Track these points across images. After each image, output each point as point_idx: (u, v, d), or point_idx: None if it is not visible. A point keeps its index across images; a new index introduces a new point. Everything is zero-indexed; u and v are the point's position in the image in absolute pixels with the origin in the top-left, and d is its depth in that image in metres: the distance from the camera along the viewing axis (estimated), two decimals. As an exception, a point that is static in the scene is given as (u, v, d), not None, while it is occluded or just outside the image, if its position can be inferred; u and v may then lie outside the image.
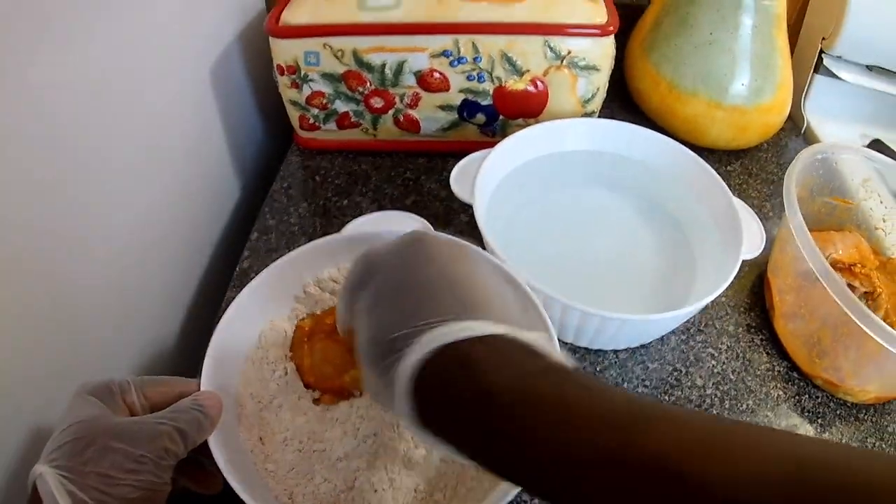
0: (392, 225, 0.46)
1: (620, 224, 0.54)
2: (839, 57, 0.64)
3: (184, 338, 0.52)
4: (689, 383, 0.48)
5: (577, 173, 0.55)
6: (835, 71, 0.64)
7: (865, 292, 0.53)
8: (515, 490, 0.33)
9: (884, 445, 0.50)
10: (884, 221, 0.57)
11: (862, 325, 0.42)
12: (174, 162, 0.50)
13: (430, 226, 0.46)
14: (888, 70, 0.65)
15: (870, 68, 0.66)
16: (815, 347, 0.49)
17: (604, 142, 0.54)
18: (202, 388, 0.36)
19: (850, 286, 0.54)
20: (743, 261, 0.48)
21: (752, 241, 0.48)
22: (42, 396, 0.36)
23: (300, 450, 0.38)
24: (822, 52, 0.64)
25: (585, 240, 0.52)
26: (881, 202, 0.57)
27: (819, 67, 0.65)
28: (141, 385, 0.34)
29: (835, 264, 0.53)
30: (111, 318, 0.43)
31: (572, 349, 0.49)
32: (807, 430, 0.49)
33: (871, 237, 0.57)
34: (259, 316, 0.42)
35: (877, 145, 0.65)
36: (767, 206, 0.60)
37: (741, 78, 0.58)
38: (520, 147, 0.52)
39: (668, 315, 0.43)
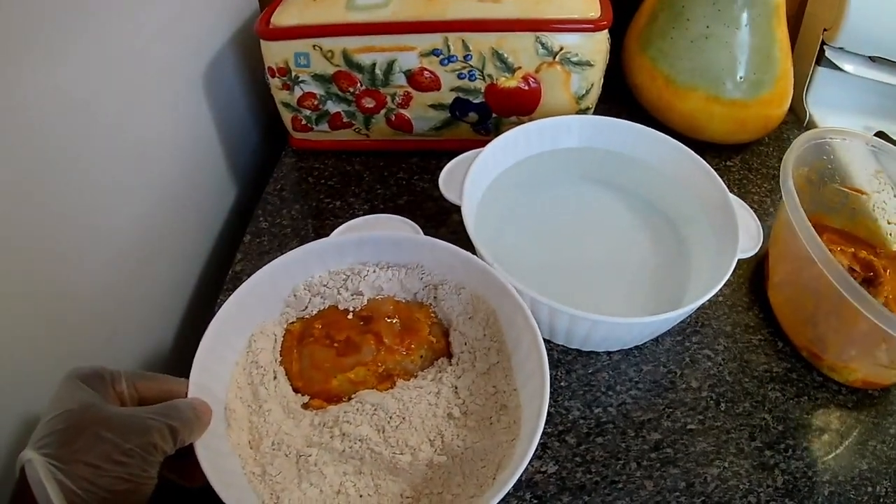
0: (381, 228, 0.46)
1: (615, 223, 0.53)
2: (841, 48, 0.63)
3: (178, 341, 0.52)
4: (683, 385, 0.48)
5: (572, 171, 0.54)
6: (837, 63, 0.63)
7: (865, 278, 0.52)
8: (500, 495, 0.33)
9: (885, 448, 0.49)
10: (897, 215, 0.56)
11: (856, 304, 0.42)
12: (167, 165, 0.50)
13: (419, 229, 0.45)
14: (892, 61, 0.63)
15: (873, 59, 0.64)
16: (804, 319, 0.49)
17: (597, 139, 0.54)
18: (190, 390, 0.36)
19: (851, 270, 0.53)
20: (741, 259, 0.48)
21: (748, 240, 0.47)
22: (36, 398, 0.36)
23: (287, 454, 0.38)
24: (823, 43, 0.63)
25: (579, 239, 0.52)
26: (894, 196, 0.56)
27: (821, 59, 0.63)
28: (131, 377, 0.34)
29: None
30: (105, 321, 0.43)
31: (564, 350, 0.48)
32: (806, 433, 0.48)
33: (886, 230, 0.56)
34: (249, 320, 0.42)
35: (881, 137, 0.63)
36: (768, 202, 0.59)
37: (740, 71, 0.56)
38: (513, 146, 0.51)
39: (659, 318, 0.42)
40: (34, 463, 0.28)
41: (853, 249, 0.54)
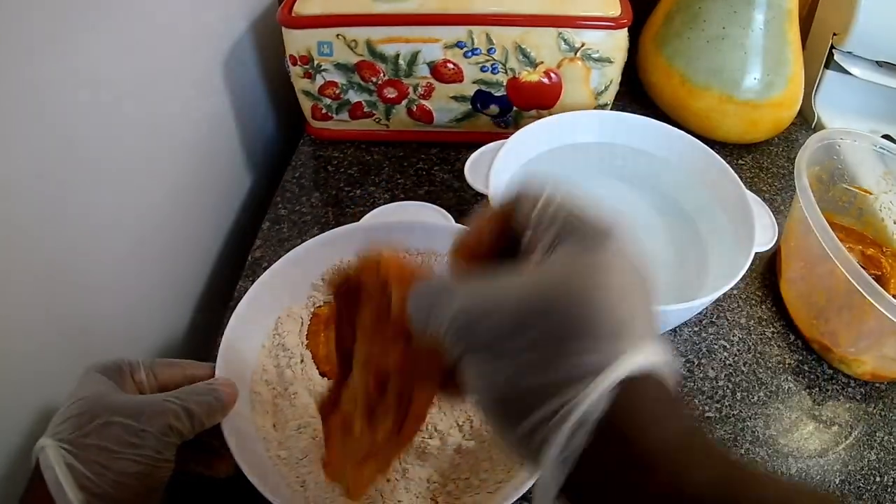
0: (410, 215, 0.46)
1: (633, 216, 0.54)
2: (850, 53, 0.65)
3: (194, 327, 0.52)
4: (701, 375, 0.49)
5: (591, 165, 0.55)
6: (845, 66, 0.64)
7: (875, 276, 0.53)
8: (529, 483, 0.33)
9: (892, 439, 0.50)
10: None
11: (868, 297, 0.43)
12: (186, 153, 0.50)
13: (449, 216, 0.46)
14: (898, 66, 0.65)
15: (880, 64, 0.66)
16: (816, 313, 0.50)
17: (616, 134, 0.54)
18: (216, 374, 0.35)
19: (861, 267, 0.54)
20: (755, 253, 0.49)
21: (764, 234, 0.48)
22: (56, 393, 0.36)
23: (314, 437, 0.38)
24: (832, 47, 0.64)
25: None
26: (903, 197, 0.57)
27: (830, 63, 0.65)
28: (151, 365, 0.34)
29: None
30: (122, 308, 0.43)
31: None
32: (817, 423, 0.49)
33: (892, 230, 0.58)
34: (276, 302, 0.42)
35: (887, 141, 0.65)
36: (778, 200, 0.60)
37: (753, 72, 0.58)
38: (534, 138, 0.52)
39: (680, 307, 0.43)
40: (47, 449, 0.29)
41: (861, 247, 0.56)
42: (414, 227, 0.44)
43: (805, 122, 0.68)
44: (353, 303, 0.28)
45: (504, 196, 0.25)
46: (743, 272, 0.45)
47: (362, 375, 0.27)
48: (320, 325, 0.43)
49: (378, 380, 0.26)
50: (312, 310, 0.44)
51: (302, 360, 0.42)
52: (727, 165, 0.51)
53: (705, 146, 0.53)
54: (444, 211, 0.45)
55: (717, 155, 0.52)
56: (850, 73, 0.65)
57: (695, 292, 0.48)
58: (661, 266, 0.51)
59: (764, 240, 0.48)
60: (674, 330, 0.50)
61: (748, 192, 0.50)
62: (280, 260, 0.41)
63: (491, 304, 0.21)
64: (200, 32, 0.52)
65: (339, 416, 0.30)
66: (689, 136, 0.53)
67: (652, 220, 0.53)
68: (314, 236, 0.43)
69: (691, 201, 0.54)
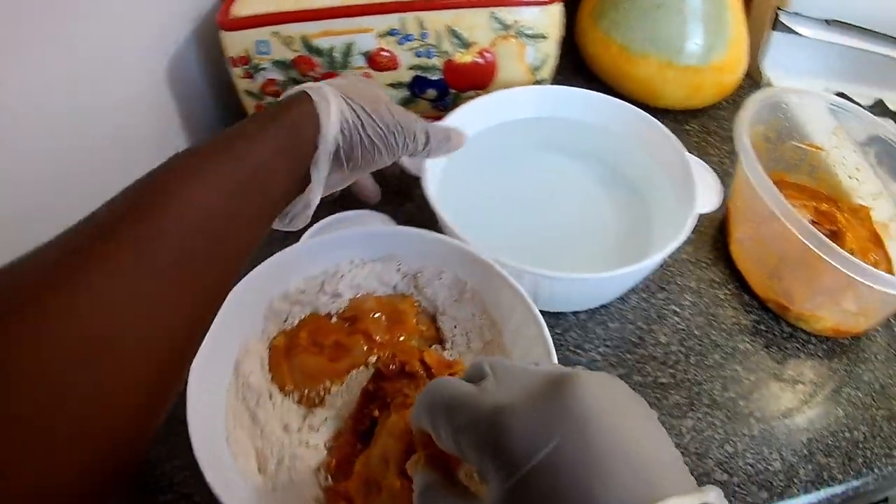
0: (351, 225, 0.44)
1: (576, 188, 0.53)
2: (796, 13, 0.64)
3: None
4: (652, 341, 0.48)
5: (530, 141, 0.55)
6: (792, 27, 0.64)
7: (830, 231, 0.53)
8: None
9: (860, 394, 0.49)
10: (857, 170, 0.57)
11: (821, 253, 0.42)
12: (132, 166, 0.50)
13: (389, 219, 0.45)
14: (847, 24, 0.64)
15: (829, 23, 0.65)
16: (769, 272, 0.49)
17: (556, 108, 0.54)
18: (191, 431, 0.33)
19: (814, 224, 0.54)
20: (703, 217, 0.48)
21: (708, 196, 0.48)
22: None
23: (290, 467, 0.36)
24: (778, 8, 0.64)
25: (541, 205, 0.52)
26: (853, 150, 0.56)
27: (776, 24, 0.64)
28: None
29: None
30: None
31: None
32: (779, 382, 0.48)
33: (847, 185, 0.57)
34: (230, 343, 0.39)
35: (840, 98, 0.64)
36: (728, 163, 0.60)
37: (692, 38, 0.57)
38: (470, 118, 0.52)
39: (621, 272, 0.42)
40: (322, 88, 0.34)
41: (815, 203, 0.55)
42: (353, 239, 0.43)
43: (755, 84, 0.67)
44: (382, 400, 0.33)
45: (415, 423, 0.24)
46: (685, 234, 0.44)
47: (389, 439, 0.29)
48: (280, 357, 0.40)
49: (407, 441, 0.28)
50: (268, 344, 0.41)
51: (271, 397, 0.39)
52: (667, 129, 0.51)
53: (645, 113, 0.52)
54: (383, 215, 0.45)
55: (656, 121, 0.52)
56: (798, 34, 0.64)
57: (642, 257, 0.47)
58: (606, 234, 0.51)
59: (708, 202, 0.48)
60: (622, 298, 0.49)
61: (690, 155, 0.50)
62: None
63: None
64: (142, 41, 0.53)
65: (357, 481, 0.32)
66: (626, 104, 0.53)
67: (596, 190, 0.53)
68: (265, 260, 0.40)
69: (634, 168, 0.53)
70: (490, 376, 0.22)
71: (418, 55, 0.54)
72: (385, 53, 0.54)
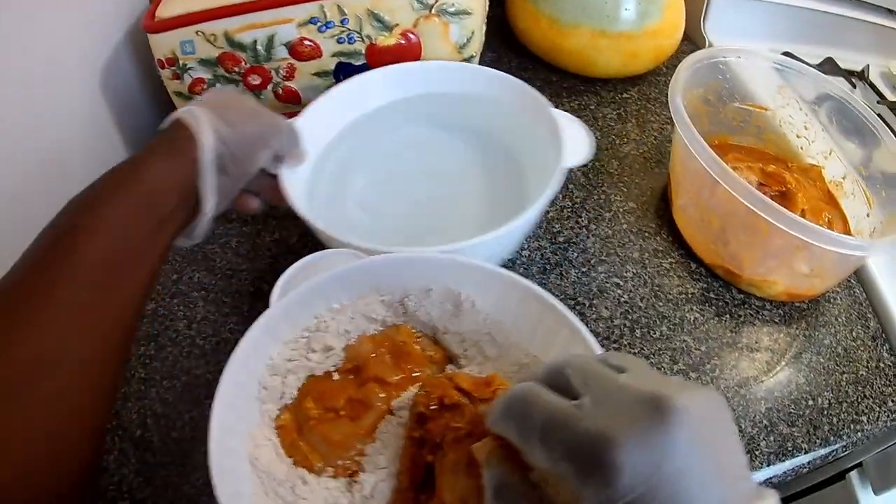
0: (318, 272, 0.38)
1: (454, 161, 0.52)
2: (737, -25, 0.63)
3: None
4: (594, 316, 0.45)
5: (400, 122, 0.54)
6: (733, -11, 0.63)
7: (779, 192, 0.50)
8: None
9: (821, 359, 0.47)
10: (806, 129, 0.54)
11: (765, 216, 0.40)
12: (68, 174, 0.49)
13: (358, 253, 0.39)
14: (792, -17, 0.63)
15: (772, -16, 0.64)
16: (713, 237, 0.47)
17: (429, 84, 0.53)
18: None
19: (761, 185, 0.51)
20: (644, 185, 0.46)
21: (577, 149, 0.45)
22: None
23: None
24: (718, -29, 0.63)
25: (415, 182, 0.51)
26: (800, 109, 0.54)
27: (717, -12, 0.63)
28: None
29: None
30: None
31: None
32: (732, 351, 0.46)
33: (796, 144, 0.55)
34: (235, 442, 0.34)
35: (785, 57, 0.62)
36: (668, 129, 0.58)
37: (624, 4, 0.56)
38: (333, 108, 0.51)
39: (489, 236, 0.39)
40: (192, 110, 0.37)
41: (761, 165, 0.53)
42: (324, 287, 0.38)
43: (696, 48, 0.65)
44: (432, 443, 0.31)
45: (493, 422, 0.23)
46: (556, 187, 0.41)
47: (457, 479, 0.28)
48: (294, 436, 0.36)
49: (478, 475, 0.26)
50: (274, 425, 0.36)
51: (305, 482, 0.34)
52: (533, 89, 0.49)
53: (513, 77, 0.51)
54: (351, 250, 0.39)
55: (523, 82, 0.50)
56: (739, -4, 0.63)
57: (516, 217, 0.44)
58: (484, 204, 0.49)
59: (578, 154, 0.45)
60: (560, 273, 0.47)
61: (556, 110, 0.46)
62: (216, 393, 0.32)
63: None
64: (75, 45, 0.52)
65: None
66: (498, 71, 0.51)
67: (474, 160, 0.52)
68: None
69: (510, 133, 0.52)
70: (581, 391, 0.21)
71: (340, 41, 0.53)
72: (308, 43, 0.53)
